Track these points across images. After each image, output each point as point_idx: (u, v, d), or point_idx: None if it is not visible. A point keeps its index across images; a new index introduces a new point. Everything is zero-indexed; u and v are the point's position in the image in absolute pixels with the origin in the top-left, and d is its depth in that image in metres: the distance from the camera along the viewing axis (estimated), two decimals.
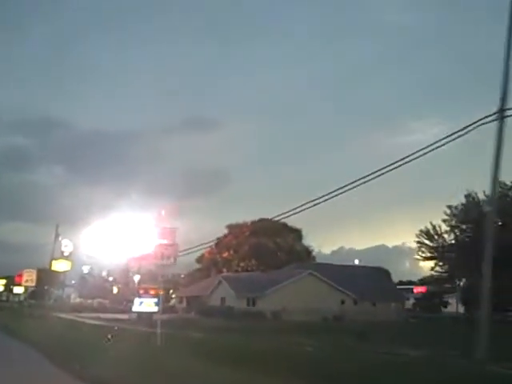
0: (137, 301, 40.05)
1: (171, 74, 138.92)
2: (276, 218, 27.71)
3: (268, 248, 66.77)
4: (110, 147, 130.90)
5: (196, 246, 58.15)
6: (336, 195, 20.97)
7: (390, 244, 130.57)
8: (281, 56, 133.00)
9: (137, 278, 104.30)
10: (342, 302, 53.06)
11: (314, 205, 21.69)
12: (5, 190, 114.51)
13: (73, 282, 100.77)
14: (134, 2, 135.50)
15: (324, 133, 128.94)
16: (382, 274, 63.30)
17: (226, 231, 72.73)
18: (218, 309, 48.85)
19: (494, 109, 16.85)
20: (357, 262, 72.81)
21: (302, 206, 21.84)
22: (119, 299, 68.68)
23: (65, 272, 75.07)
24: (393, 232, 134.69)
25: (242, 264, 68.01)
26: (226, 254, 69.95)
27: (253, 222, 72.32)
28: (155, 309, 40.34)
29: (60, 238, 57.46)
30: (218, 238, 70.61)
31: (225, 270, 67.94)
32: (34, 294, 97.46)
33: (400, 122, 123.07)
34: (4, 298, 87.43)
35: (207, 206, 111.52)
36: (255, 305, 49.62)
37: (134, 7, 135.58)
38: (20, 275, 75.87)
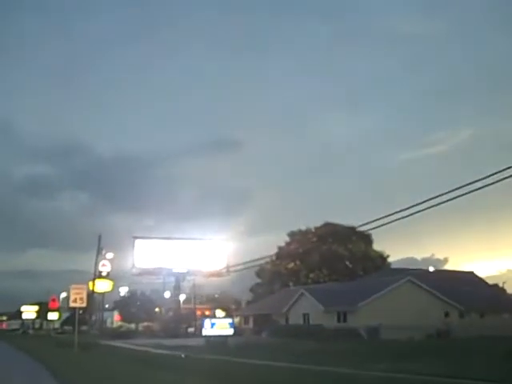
0: (207, 323, 31.66)
1: (193, 96, 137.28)
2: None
3: (340, 255, 57.93)
4: (132, 171, 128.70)
5: (250, 261, 49.61)
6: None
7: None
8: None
9: (182, 297, 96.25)
10: (446, 315, 43.50)
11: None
12: (28, 217, 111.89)
13: (106, 305, 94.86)
14: (152, 23, 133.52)
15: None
16: (477, 279, 53.80)
17: (287, 239, 64.37)
18: (303, 328, 40.07)
19: None
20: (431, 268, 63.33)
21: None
22: (169, 322, 60.33)
23: (105, 293, 68.09)
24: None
25: (311, 275, 59.32)
26: (291, 265, 61.28)
27: (317, 228, 63.63)
28: (230, 331, 32.01)
29: (104, 252, 50.15)
30: (278, 248, 62.26)
31: (291, 283, 59.39)
32: (69, 320, 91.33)
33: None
34: (38, 326, 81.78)
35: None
36: (346, 320, 40.61)
37: (154, 28, 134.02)
38: (54, 300, 69.10)
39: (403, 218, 27.06)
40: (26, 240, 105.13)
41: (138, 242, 57.10)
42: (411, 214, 27.19)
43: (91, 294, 53.38)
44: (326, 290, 46.29)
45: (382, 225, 28.89)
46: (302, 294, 45.37)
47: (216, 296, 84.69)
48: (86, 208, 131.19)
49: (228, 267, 60.17)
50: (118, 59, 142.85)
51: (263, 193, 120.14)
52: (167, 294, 68.16)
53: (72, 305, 33.71)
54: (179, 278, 59.35)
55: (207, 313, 72.37)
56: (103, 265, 59.98)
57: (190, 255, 59.10)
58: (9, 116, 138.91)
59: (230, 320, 30.99)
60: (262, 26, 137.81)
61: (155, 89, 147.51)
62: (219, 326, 30.94)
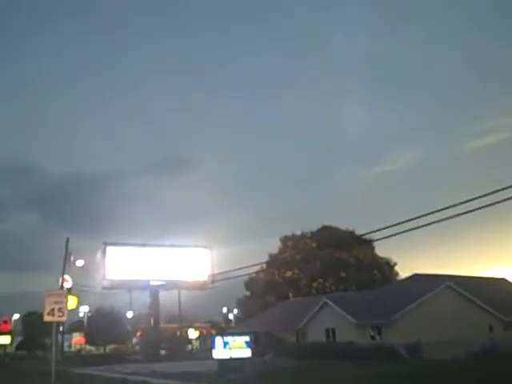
0: (218, 342, 23.48)
1: (145, 115, 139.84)
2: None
3: (345, 262, 50.41)
4: (86, 190, 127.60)
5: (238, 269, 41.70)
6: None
7: None
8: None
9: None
10: (491, 328, 36.30)
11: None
12: None
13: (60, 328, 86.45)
14: (113, 49, 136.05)
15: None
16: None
17: (277, 246, 56.66)
18: (330, 347, 32.06)
19: None
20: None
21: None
22: (149, 343, 51.65)
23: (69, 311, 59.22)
24: None
25: (314, 284, 51.65)
26: (289, 274, 53.30)
27: (314, 232, 56.18)
28: (247, 352, 24.09)
29: (72, 258, 41.71)
30: (270, 255, 54.37)
31: (290, 294, 51.63)
32: (23, 344, 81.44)
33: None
34: None
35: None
36: (381, 336, 32.94)
37: (115, 53, 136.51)
38: (5, 322, 61.33)
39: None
40: None
41: (109, 249, 48.61)
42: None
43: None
44: (353, 299, 38.55)
45: (392, 235, 24.62)
46: (325, 305, 37.57)
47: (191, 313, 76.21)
48: (38, 229, 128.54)
49: (213, 277, 51.96)
50: (69, 84, 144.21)
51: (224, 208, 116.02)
52: (142, 310, 59.52)
53: (47, 319, 25.72)
54: (157, 292, 50.77)
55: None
56: (64, 280, 52.10)
57: (169, 265, 50.87)
58: None
59: (246, 338, 22.89)
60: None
61: (109, 110, 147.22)
62: (234, 345, 22.83)
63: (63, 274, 42.76)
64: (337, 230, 54.35)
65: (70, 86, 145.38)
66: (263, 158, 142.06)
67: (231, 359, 23.31)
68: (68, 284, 52.88)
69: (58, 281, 42.46)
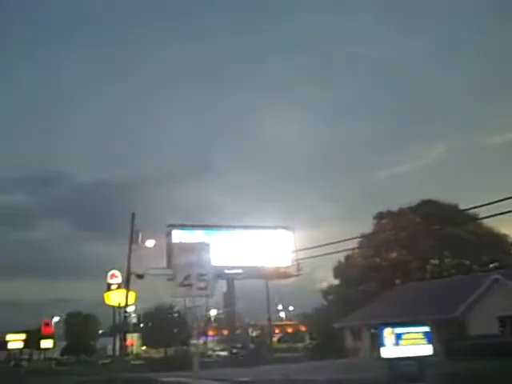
0: (388, 335, 15.00)
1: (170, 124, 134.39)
2: None
3: (464, 240, 41.13)
4: (112, 197, 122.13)
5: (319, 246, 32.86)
6: None
7: None
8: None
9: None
10: None
11: None
12: (10, 247, 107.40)
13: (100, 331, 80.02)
14: (130, 60, 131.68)
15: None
16: None
17: (372, 224, 47.79)
18: None
19: None
20: None
21: None
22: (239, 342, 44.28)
23: (124, 308, 52.13)
24: None
25: (427, 267, 42.70)
26: (394, 254, 44.29)
27: (413, 208, 47.13)
28: (427, 349, 15.45)
29: (140, 237, 34.04)
30: (362, 235, 45.55)
31: (398, 280, 42.72)
32: (69, 347, 73.87)
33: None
34: (26, 357, 66.05)
35: None
36: None
37: (134, 63, 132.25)
38: (47, 324, 54.77)
39: None
40: (8, 270, 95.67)
41: (175, 233, 40.87)
42: None
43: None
44: None
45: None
46: (495, 284, 28.33)
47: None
48: (67, 236, 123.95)
49: (298, 263, 43.64)
50: (95, 91, 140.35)
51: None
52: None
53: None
54: (232, 281, 42.72)
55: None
56: (112, 275, 44.87)
57: (246, 249, 42.91)
58: None
59: (425, 328, 14.03)
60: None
61: (134, 115, 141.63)
62: (408, 339, 14.14)
63: (129, 259, 35.09)
64: (440, 204, 45.32)
65: (93, 93, 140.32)
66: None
67: (405, 359, 14.83)
68: (116, 280, 45.85)
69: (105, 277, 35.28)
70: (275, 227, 44.16)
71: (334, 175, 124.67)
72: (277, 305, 77.77)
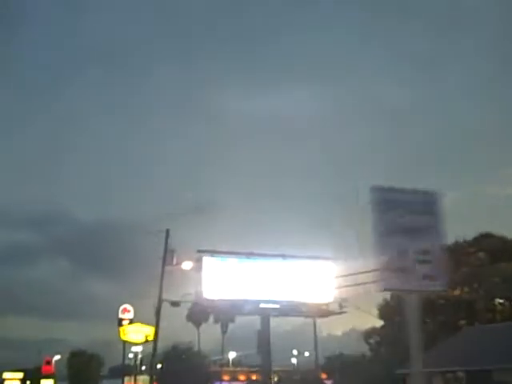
0: None
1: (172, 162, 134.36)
2: None
3: None
4: (115, 236, 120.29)
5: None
6: None
7: None
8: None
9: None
10: None
11: None
12: (6, 284, 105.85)
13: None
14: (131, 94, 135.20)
15: None
16: None
17: None
18: None
19: None
20: None
21: None
22: None
23: (139, 344, 47.46)
24: None
25: (498, 307, 37.52)
26: (457, 292, 39.07)
27: (469, 242, 42.24)
28: None
29: (174, 257, 30.51)
30: None
31: (462, 321, 37.60)
32: None
33: None
34: None
35: None
36: None
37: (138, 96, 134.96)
38: (48, 362, 50.99)
39: None
40: (5, 307, 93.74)
41: (206, 260, 36.64)
42: None
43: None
44: None
45: None
46: None
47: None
48: (66, 274, 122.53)
49: (340, 300, 38.99)
50: (98, 130, 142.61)
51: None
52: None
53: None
54: (268, 318, 38.10)
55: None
56: (124, 310, 41.06)
57: (283, 282, 38.43)
58: None
59: None
60: None
61: (137, 154, 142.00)
62: None
63: (161, 282, 31.23)
64: (502, 238, 40.53)
65: (97, 131, 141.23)
66: None
67: None
68: (129, 314, 41.92)
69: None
70: (316, 257, 39.69)
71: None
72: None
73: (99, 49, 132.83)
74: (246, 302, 37.10)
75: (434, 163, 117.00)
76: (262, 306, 37.36)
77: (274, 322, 41.63)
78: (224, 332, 74.93)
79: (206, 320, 77.23)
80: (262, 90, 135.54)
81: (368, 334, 44.79)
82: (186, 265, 31.11)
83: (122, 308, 43.23)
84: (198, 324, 76.05)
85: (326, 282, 39.59)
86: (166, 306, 36.54)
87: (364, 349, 44.89)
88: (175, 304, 31.69)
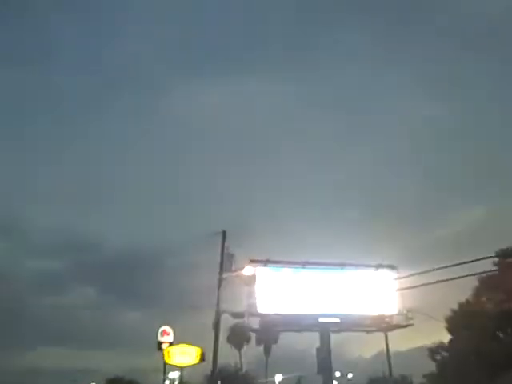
0: None
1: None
2: None
3: None
4: (144, 264, 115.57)
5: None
6: None
7: None
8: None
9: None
10: None
11: None
12: (37, 314, 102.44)
13: None
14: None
15: None
16: None
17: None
18: None
19: None
20: None
21: None
22: None
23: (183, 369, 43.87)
24: None
25: None
26: None
27: None
28: None
29: (233, 257, 27.71)
30: (481, 280, 37.43)
31: None
32: None
33: None
34: None
35: None
36: None
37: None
38: None
39: None
40: (33, 337, 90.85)
41: (260, 271, 33.62)
42: None
43: None
44: None
45: None
46: None
47: None
48: (96, 304, 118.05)
49: (406, 311, 35.67)
50: (123, 158, 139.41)
51: None
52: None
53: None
54: (328, 333, 34.80)
55: None
56: (164, 332, 38.08)
57: (342, 293, 35.18)
58: (17, 211, 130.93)
59: None
60: None
61: (167, 183, 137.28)
62: None
63: (219, 287, 28.31)
64: None
65: (125, 159, 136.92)
66: None
67: None
68: (169, 337, 38.65)
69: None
70: (377, 266, 36.41)
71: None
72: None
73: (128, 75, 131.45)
74: (304, 316, 33.93)
75: None
76: (321, 320, 34.18)
77: (306, 339, 38.24)
78: (267, 353, 71.28)
79: (248, 341, 73.70)
80: None
81: (435, 350, 41.02)
82: (248, 270, 27.97)
83: (161, 330, 40.15)
84: (239, 346, 72.54)
85: (389, 293, 36.26)
86: (205, 328, 33.83)
87: (432, 367, 41.04)
88: (237, 316, 28.60)
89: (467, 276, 22.41)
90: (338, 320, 34.51)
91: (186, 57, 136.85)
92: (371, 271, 36.37)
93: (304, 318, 33.92)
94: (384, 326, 35.83)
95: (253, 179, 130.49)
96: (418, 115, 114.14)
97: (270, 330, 33.94)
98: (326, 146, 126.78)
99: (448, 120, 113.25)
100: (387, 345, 35.95)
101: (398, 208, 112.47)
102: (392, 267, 36.08)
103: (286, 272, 34.71)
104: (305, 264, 35.12)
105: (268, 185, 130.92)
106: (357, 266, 36.32)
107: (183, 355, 39.82)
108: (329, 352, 34.43)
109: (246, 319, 33.21)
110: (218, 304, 25.84)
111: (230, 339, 69.74)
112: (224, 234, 28.09)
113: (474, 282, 40.85)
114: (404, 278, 35.06)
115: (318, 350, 34.79)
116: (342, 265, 35.77)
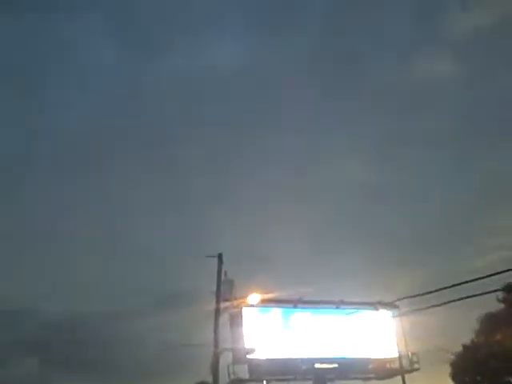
0: None
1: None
2: None
3: None
4: (86, 331, 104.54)
5: None
6: None
7: None
8: None
9: None
10: None
11: None
12: None
13: None
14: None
15: None
16: None
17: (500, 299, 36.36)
18: None
19: None
20: None
21: None
22: None
23: None
24: None
25: None
26: None
27: None
28: None
29: (233, 289, 24.04)
30: (486, 317, 34.30)
31: None
32: None
33: None
34: None
35: None
36: None
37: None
38: None
39: None
40: None
41: (246, 311, 29.93)
42: None
43: None
44: None
45: None
46: None
47: None
48: (36, 375, 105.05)
49: (410, 355, 32.11)
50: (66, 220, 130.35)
51: None
52: None
53: None
54: (324, 381, 30.84)
55: None
56: None
57: (339, 336, 31.52)
58: None
59: None
60: None
61: (105, 246, 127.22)
62: None
63: (217, 319, 24.51)
64: None
65: (63, 227, 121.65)
66: None
67: None
68: None
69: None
70: (375, 305, 32.92)
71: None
72: None
73: None
74: (299, 361, 30.02)
75: None
76: (317, 366, 30.30)
77: None
78: None
79: None
80: None
81: None
82: (253, 299, 24.37)
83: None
84: None
85: (389, 334, 32.75)
86: None
87: None
88: (241, 357, 24.90)
89: (477, 295, 19.26)
90: (335, 365, 30.67)
91: None
92: (370, 311, 32.88)
93: (299, 363, 30.00)
94: (385, 372, 32.03)
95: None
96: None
97: (261, 379, 29.36)
98: None
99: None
100: None
101: None
102: (392, 306, 32.66)
103: (275, 313, 31.03)
104: (297, 303, 31.50)
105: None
106: (354, 304, 32.77)
107: None
108: None
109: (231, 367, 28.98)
110: (215, 340, 22.04)
111: None
112: (220, 257, 24.58)
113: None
114: (405, 313, 32.03)
115: None
116: (340, 303, 32.21)
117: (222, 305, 23.91)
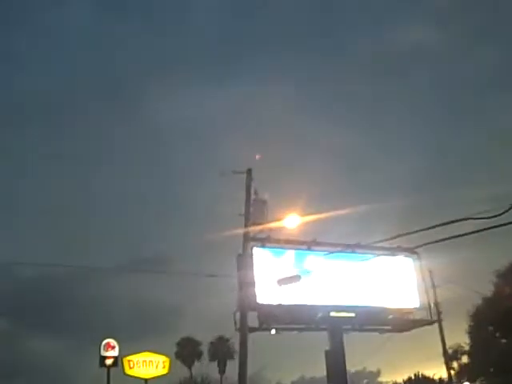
0: None
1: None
2: None
3: None
4: (56, 292, 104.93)
5: None
6: None
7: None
8: None
9: None
10: None
11: None
12: None
13: None
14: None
15: None
16: None
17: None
18: None
19: None
20: None
21: None
22: None
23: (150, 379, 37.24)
24: None
25: None
26: None
27: None
28: None
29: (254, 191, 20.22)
30: (497, 274, 31.76)
31: None
32: None
33: None
34: None
35: None
36: None
37: None
38: None
39: None
40: None
41: (257, 252, 26.29)
42: None
43: None
44: None
45: None
46: None
47: None
48: (4, 335, 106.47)
49: (430, 304, 29.32)
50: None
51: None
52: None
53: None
54: (340, 332, 27.78)
55: None
56: (108, 346, 31.52)
57: (358, 282, 28.36)
58: None
59: None
60: None
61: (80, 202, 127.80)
62: None
63: (244, 250, 20.97)
64: None
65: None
66: None
67: None
68: (114, 352, 32.39)
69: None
70: (393, 251, 29.74)
71: None
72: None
73: None
74: (315, 308, 26.74)
75: None
76: (333, 314, 27.10)
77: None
78: (222, 371, 63.41)
79: (199, 358, 65.64)
80: None
81: (453, 356, 34.57)
82: (291, 221, 20.69)
83: (104, 343, 33.05)
84: (189, 363, 64.40)
85: (410, 282, 29.78)
86: None
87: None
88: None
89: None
90: (352, 315, 27.55)
91: None
92: (387, 258, 29.70)
93: (314, 310, 26.74)
94: (405, 324, 29.14)
95: None
96: None
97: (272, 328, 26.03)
98: None
99: None
100: (444, 344, 28.72)
101: None
102: (412, 252, 29.54)
103: (289, 255, 27.58)
104: (311, 245, 28.07)
105: None
106: (372, 248, 29.47)
107: (147, 366, 33.08)
108: (343, 355, 27.28)
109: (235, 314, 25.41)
110: (240, 278, 18.55)
111: (178, 355, 61.98)
112: (250, 172, 20.78)
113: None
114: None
115: (326, 353, 27.57)
116: (356, 247, 28.89)
117: (253, 230, 20.28)
